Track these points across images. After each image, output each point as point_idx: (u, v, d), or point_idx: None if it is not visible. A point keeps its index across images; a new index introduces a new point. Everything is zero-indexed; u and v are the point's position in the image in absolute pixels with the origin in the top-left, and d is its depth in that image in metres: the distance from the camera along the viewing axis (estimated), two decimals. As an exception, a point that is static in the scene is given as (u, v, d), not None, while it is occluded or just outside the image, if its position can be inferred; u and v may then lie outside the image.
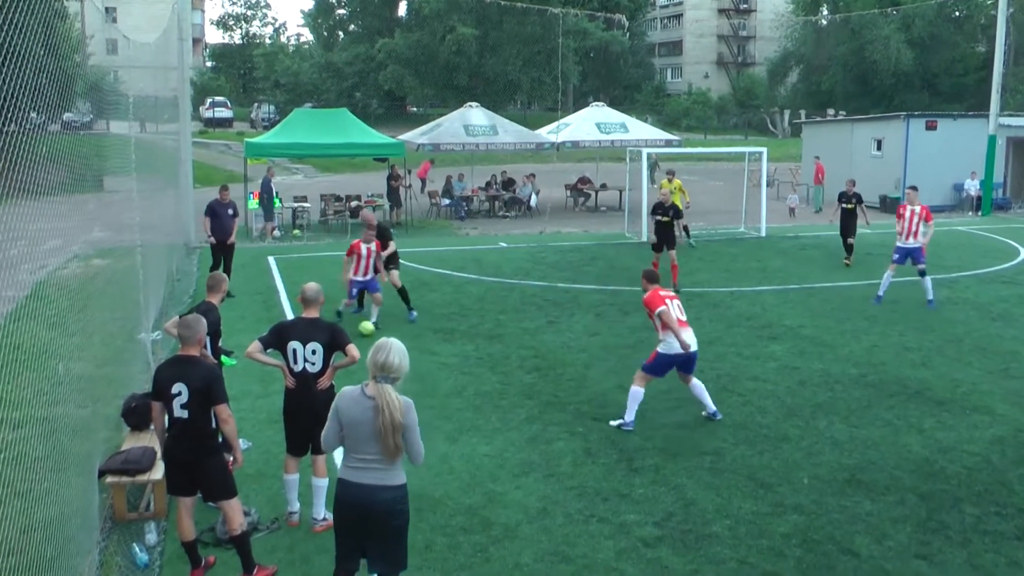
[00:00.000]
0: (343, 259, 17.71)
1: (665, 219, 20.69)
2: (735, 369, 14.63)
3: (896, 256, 19.65)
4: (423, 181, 38.99)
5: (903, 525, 9.33)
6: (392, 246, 18.22)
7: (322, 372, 9.04)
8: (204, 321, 8.28)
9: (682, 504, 9.72)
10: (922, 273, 19.49)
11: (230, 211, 20.49)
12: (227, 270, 19.59)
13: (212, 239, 20.35)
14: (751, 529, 9.17)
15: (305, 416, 8.89)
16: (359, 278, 17.41)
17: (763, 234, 30.06)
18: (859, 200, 24.05)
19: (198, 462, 7.94)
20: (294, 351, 9.04)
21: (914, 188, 20.33)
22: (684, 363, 12.14)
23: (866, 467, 10.80)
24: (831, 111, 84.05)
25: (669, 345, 11.91)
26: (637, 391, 12.07)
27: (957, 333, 17.15)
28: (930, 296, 19.32)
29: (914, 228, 19.40)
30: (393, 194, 32.43)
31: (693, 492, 10.01)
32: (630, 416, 12.01)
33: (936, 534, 9.15)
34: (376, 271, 17.50)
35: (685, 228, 28.17)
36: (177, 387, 7.83)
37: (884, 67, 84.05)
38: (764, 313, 18.61)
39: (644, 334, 16.82)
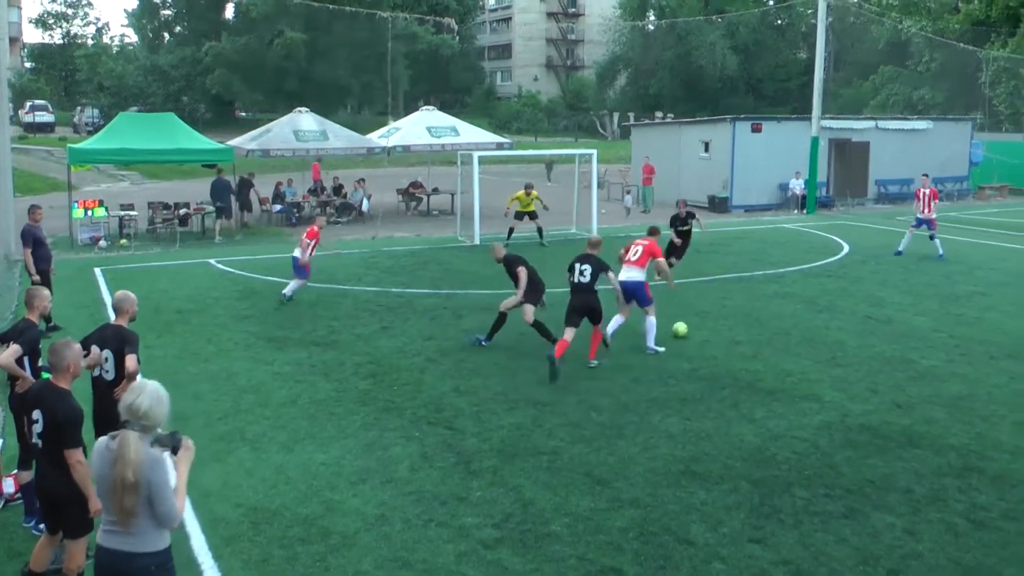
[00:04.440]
0: (304, 241, 19.65)
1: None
2: (570, 368, 14.68)
3: (914, 223, 26.70)
4: (316, 182, 38.90)
5: (737, 512, 9.51)
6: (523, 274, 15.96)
7: (117, 381, 8.77)
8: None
9: (520, 505, 9.69)
10: (932, 237, 26.10)
11: (47, 237, 17.93)
12: None
13: (36, 276, 16.79)
14: (589, 525, 9.20)
15: (101, 424, 8.70)
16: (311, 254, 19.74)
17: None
18: (693, 216, 23.27)
19: (56, 491, 7.45)
20: None
21: (926, 175, 28.02)
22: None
23: (700, 458, 10.99)
24: (659, 114, 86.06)
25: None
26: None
27: (785, 326, 17.67)
28: (940, 252, 25.87)
29: (927, 204, 26.15)
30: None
31: (531, 492, 10.00)
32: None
33: (769, 518, 9.36)
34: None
35: (539, 229, 28.66)
36: (36, 413, 7.45)
37: (710, 72, 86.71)
38: (598, 311, 18.79)
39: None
